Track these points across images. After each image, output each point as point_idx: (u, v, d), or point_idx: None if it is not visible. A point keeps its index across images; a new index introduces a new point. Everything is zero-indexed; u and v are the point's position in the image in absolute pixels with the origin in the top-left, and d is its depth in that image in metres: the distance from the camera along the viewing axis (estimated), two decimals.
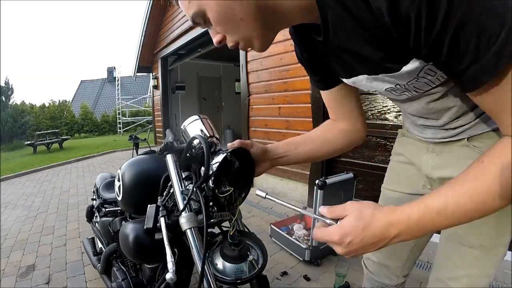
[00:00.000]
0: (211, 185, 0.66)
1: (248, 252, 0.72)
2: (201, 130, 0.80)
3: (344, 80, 0.62)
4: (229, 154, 0.67)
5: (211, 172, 0.67)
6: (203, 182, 0.67)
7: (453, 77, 0.43)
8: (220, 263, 0.70)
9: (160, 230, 0.71)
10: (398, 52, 0.44)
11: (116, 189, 1.02)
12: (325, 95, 0.74)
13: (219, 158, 0.67)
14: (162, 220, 0.71)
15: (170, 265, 0.61)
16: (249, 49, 0.54)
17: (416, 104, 0.62)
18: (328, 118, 0.80)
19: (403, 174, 0.81)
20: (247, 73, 3.52)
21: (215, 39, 0.52)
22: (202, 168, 0.68)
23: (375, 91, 0.59)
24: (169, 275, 0.60)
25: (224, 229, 0.82)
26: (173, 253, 0.76)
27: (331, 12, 0.45)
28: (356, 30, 0.43)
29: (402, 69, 0.47)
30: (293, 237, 2.02)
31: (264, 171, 0.76)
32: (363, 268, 0.94)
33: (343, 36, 0.47)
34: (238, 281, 0.69)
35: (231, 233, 0.72)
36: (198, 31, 4.87)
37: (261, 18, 0.48)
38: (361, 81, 0.56)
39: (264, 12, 0.47)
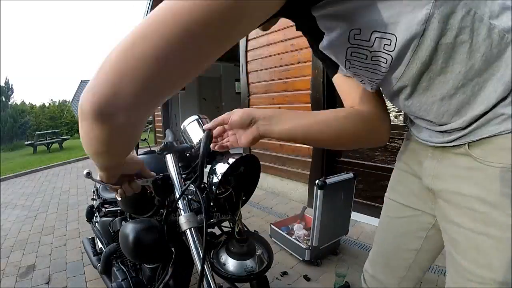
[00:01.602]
0: (213, 188, 0.67)
1: (256, 247, 0.73)
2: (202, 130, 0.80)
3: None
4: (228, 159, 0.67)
5: (215, 175, 0.67)
6: (194, 181, 0.67)
7: None
8: (228, 261, 0.70)
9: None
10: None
11: None
12: (338, 80, 0.67)
13: (224, 164, 0.67)
14: None
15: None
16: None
17: (398, 102, 0.58)
18: None
19: (403, 184, 0.75)
20: (247, 73, 3.52)
21: None
22: (205, 168, 0.68)
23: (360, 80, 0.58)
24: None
25: (225, 229, 0.82)
26: (170, 253, 0.77)
27: None
28: None
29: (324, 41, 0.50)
30: (293, 237, 2.02)
31: (247, 141, 0.61)
32: (362, 283, 0.87)
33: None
34: (252, 277, 0.69)
35: (236, 230, 0.72)
36: None
37: None
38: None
39: None
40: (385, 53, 0.48)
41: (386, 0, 0.43)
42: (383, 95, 0.63)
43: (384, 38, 0.46)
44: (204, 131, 0.66)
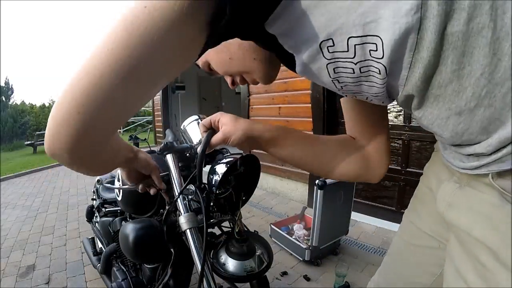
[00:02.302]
0: (213, 188, 0.67)
1: (256, 247, 0.73)
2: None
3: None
4: (232, 160, 0.67)
5: (215, 175, 0.67)
6: (189, 183, 0.68)
7: None
8: (228, 261, 0.70)
9: None
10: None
11: (116, 189, 1.02)
12: (343, 103, 0.60)
13: (224, 164, 0.67)
14: None
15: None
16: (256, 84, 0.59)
17: (411, 113, 0.46)
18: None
19: (425, 204, 0.62)
20: None
21: (228, 82, 0.60)
22: (205, 168, 0.68)
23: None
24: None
25: (225, 229, 0.82)
26: (170, 253, 0.77)
27: None
28: None
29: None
30: (293, 237, 2.02)
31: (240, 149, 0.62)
32: None
33: None
34: (251, 277, 0.69)
35: (236, 230, 0.72)
36: None
37: (245, 54, 0.52)
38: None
39: (243, 48, 0.51)
40: (374, 61, 0.36)
41: None
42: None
43: (366, 43, 0.34)
44: (209, 141, 0.66)
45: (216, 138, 0.58)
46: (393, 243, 0.72)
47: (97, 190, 1.57)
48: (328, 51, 0.37)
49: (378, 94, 0.43)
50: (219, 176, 0.66)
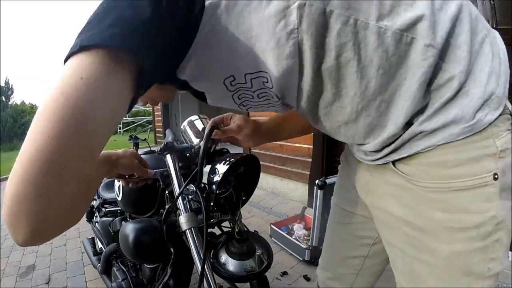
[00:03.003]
0: (213, 187, 0.67)
1: (256, 247, 0.73)
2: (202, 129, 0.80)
3: None
4: (232, 160, 0.67)
5: (215, 175, 0.67)
6: (189, 182, 0.68)
7: None
8: (228, 261, 0.70)
9: None
10: None
11: (116, 189, 1.02)
12: None
13: (224, 164, 0.67)
14: None
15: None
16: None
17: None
18: None
19: (345, 188, 0.71)
20: None
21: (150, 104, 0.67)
22: (205, 168, 0.68)
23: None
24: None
25: (225, 229, 0.82)
26: (170, 253, 0.77)
27: None
28: None
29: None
30: (293, 237, 2.02)
31: (249, 146, 0.73)
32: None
33: None
34: (251, 277, 0.69)
35: (236, 230, 0.72)
36: None
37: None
38: None
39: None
40: (268, 89, 0.45)
41: (245, 43, 0.39)
42: None
43: (260, 77, 0.43)
44: (203, 131, 0.67)
45: (231, 129, 0.68)
46: (327, 227, 0.81)
47: (97, 190, 1.57)
48: (231, 85, 0.45)
49: (278, 110, 0.54)
50: (219, 176, 0.66)
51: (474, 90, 0.41)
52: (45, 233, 0.32)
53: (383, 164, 0.51)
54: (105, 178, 0.68)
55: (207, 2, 0.36)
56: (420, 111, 0.43)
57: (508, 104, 0.45)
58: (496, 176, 0.43)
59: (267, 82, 0.43)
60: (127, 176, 0.70)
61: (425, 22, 0.37)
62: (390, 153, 0.48)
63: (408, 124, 0.44)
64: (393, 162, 0.49)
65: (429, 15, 0.37)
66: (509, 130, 0.44)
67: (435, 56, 0.39)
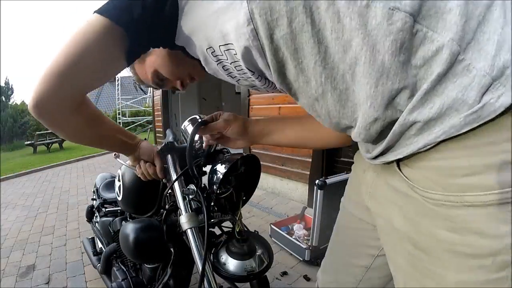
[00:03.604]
0: (214, 187, 0.67)
1: (257, 247, 0.73)
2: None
3: None
4: (230, 159, 0.68)
5: (215, 175, 0.67)
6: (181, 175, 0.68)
7: None
8: (228, 261, 0.70)
9: None
10: None
11: (116, 189, 1.02)
12: None
13: (225, 164, 0.68)
14: None
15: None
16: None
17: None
18: None
19: (356, 191, 0.65)
20: None
21: (178, 86, 0.69)
22: (205, 168, 0.68)
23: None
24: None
25: (225, 229, 0.82)
26: (170, 253, 0.77)
27: None
28: None
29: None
30: (293, 237, 2.02)
31: (239, 147, 0.71)
32: None
33: None
34: (252, 276, 0.69)
35: (237, 230, 0.72)
36: None
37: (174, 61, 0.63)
38: None
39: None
40: (239, 61, 0.45)
41: (212, 14, 0.41)
42: None
43: (229, 49, 0.44)
44: (196, 132, 0.67)
45: (218, 124, 0.66)
46: (334, 229, 0.76)
47: (97, 190, 1.57)
48: (213, 55, 0.47)
49: (267, 87, 0.53)
50: (220, 176, 0.66)
51: (479, 64, 0.32)
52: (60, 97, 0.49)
53: (388, 164, 0.44)
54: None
55: None
56: (408, 93, 0.35)
57: None
58: None
59: (236, 54, 0.43)
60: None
61: None
62: (385, 150, 0.42)
63: (394, 109, 0.37)
64: (398, 163, 0.42)
65: None
66: None
67: (406, 20, 0.32)
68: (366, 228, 0.62)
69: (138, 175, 0.78)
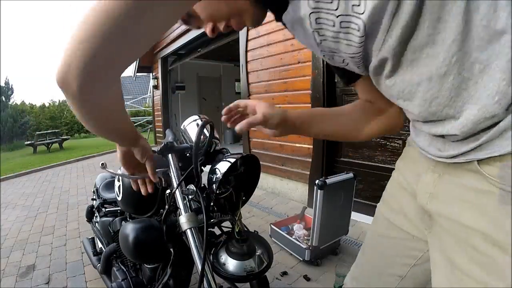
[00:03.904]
0: (213, 187, 0.67)
1: (256, 247, 0.73)
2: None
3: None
4: (231, 158, 0.67)
5: (215, 175, 0.67)
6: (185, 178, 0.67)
7: None
8: (228, 261, 0.70)
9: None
10: None
11: (116, 189, 1.02)
12: (357, 87, 0.66)
13: (224, 164, 0.68)
14: None
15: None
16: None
17: (381, 84, 0.49)
18: None
19: (396, 199, 0.64)
20: (247, 73, 3.52)
21: (208, 30, 0.54)
22: (205, 168, 0.68)
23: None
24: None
25: (225, 229, 0.82)
26: (170, 253, 0.77)
27: None
28: None
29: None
30: (293, 237, 2.02)
31: (276, 136, 0.64)
32: None
33: None
34: (251, 277, 0.69)
35: (237, 230, 0.72)
36: (198, 31, 4.86)
37: None
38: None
39: None
40: (355, 16, 0.38)
41: None
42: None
43: (353, 4, 0.37)
44: (202, 132, 0.66)
45: (255, 118, 0.59)
46: (367, 235, 0.74)
47: (97, 190, 1.57)
48: (315, 0, 0.40)
49: (354, 56, 0.46)
50: (219, 176, 0.66)
51: None
52: (88, 74, 0.37)
53: (461, 163, 0.42)
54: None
55: None
56: None
57: None
58: None
59: (359, 5, 0.37)
60: (133, 176, 0.71)
61: None
62: (474, 149, 0.39)
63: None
64: (478, 162, 0.40)
65: None
66: None
67: None
68: (405, 237, 0.61)
69: (133, 187, 0.74)
